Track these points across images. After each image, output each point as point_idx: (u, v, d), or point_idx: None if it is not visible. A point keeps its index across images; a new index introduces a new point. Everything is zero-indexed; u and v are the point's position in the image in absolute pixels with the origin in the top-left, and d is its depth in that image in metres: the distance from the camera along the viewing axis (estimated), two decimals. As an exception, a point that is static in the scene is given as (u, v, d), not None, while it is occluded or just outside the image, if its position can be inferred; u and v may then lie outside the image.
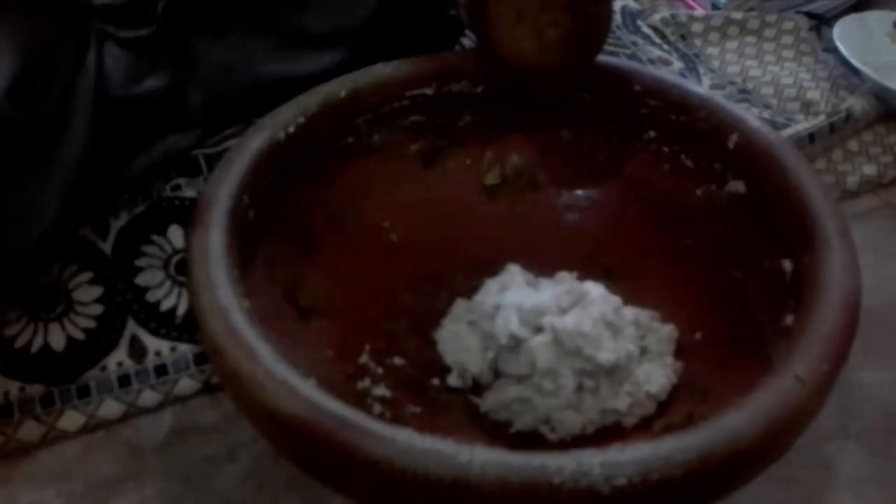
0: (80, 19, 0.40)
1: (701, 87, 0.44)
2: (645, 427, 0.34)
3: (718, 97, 0.41)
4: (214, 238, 0.30)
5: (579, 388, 0.34)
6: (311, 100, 0.38)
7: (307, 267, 0.37)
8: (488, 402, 0.35)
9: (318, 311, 0.36)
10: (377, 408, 0.33)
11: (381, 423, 0.25)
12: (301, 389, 0.25)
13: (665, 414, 0.34)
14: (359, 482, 0.25)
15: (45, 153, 0.38)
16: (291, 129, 0.36)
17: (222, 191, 0.32)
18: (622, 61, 0.45)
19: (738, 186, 0.38)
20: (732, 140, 0.38)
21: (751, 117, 0.39)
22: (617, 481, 0.23)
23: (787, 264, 0.34)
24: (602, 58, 0.42)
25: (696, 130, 0.39)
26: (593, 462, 0.24)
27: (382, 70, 0.40)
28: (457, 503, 0.23)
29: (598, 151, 0.42)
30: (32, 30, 0.37)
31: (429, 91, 0.40)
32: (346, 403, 0.26)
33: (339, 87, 0.39)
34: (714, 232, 0.39)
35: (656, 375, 0.35)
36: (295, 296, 0.35)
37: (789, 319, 0.32)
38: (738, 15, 0.61)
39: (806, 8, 0.63)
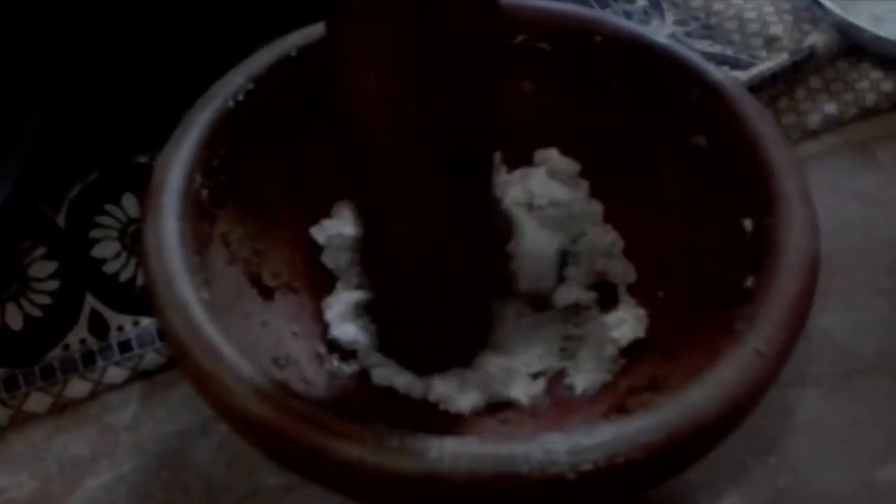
0: None
1: (663, 36, 0.43)
2: (611, 388, 0.34)
3: (681, 48, 0.40)
4: (168, 225, 0.29)
5: None
6: (260, 63, 0.36)
7: (268, 241, 0.36)
8: None
9: (281, 286, 0.35)
10: (349, 385, 0.34)
11: (349, 423, 0.25)
12: (268, 390, 0.25)
13: (629, 373, 0.35)
14: (333, 479, 0.25)
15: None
16: (241, 97, 0.35)
17: (173, 172, 0.31)
18: (583, 9, 0.43)
19: (699, 140, 0.38)
20: (694, 93, 0.37)
21: (714, 70, 0.38)
22: (583, 467, 0.24)
23: (748, 223, 0.34)
24: (563, 6, 0.41)
25: (657, 82, 0.39)
26: (560, 450, 0.24)
27: None
28: (430, 496, 0.24)
29: (561, 105, 0.41)
30: None
31: None
32: (314, 388, 0.26)
33: (288, 47, 0.37)
34: (676, 186, 0.39)
35: (625, 325, 0.36)
36: (258, 274, 0.35)
37: (749, 281, 0.32)
38: (700, -56, 0.59)
39: (769, -67, 0.61)
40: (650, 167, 0.40)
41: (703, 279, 0.36)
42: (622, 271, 0.39)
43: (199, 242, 0.31)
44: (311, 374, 0.33)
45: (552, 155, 0.41)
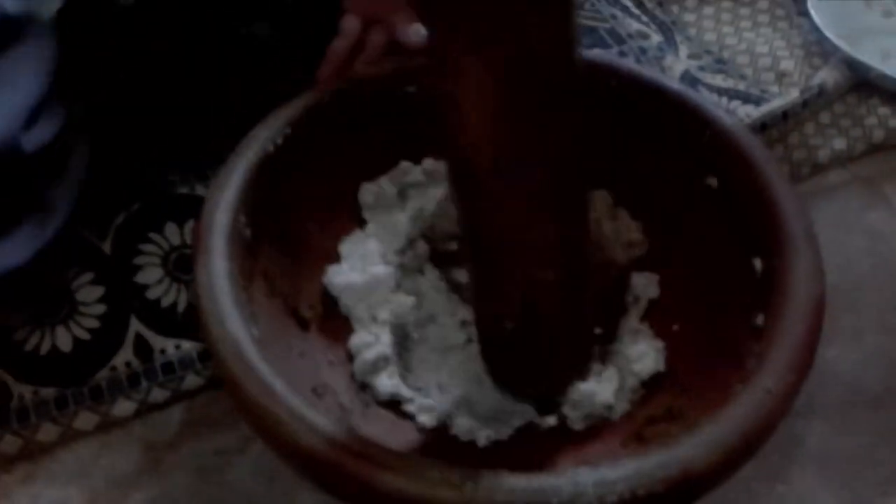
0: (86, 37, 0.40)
1: (676, 81, 0.45)
2: (630, 417, 0.36)
3: (694, 93, 0.42)
4: (218, 265, 0.32)
5: None
6: (296, 107, 0.39)
7: (303, 275, 0.38)
8: None
9: (316, 318, 0.38)
10: (384, 413, 0.36)
11: (393, 453, 0.27)
12: (318, 424, 0.27)
13: (647, 403, 0.37)
14: None
15: (55, 169, 0.38)
16: (280, 141, 0.37)
17: (220, 214, 0.33)
18: (600, 56, 0.45)
19: (711, 181, 0.40)
20: (705, 137, 0.39)
21: (724, 115, 0.40)
22: (609, 499, 0.26)
23: (758, 262, 0.36)
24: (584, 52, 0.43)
25: (670, 126, 0.41)
26: (587, 482, 0.26)
27: (365, 71, 0.41)
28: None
29: None
30: (45, 55, 0.38)
31: (412, 89, 0.41)
32: (351, 415, 0.28)
33: (322, 94, 0.40)
34: (689, 223, 0.41)
35: (647, 358, 0.38)
36: (295, 306, 0.37)
37: (759, 319, 0.34)
38: (715, -21, 0.61)
39: (783, -31, 0.63)
40: (664, 204, 0.42)
41: (715, 314, 0.38)
42: (645, 283, 0.41)
43: (244, 279, 0.33)
44: (347, 401, 0.35)
45: None
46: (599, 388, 0.36)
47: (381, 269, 0.39)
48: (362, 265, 0.39)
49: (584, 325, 0.35)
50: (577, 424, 0.36)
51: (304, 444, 0.27)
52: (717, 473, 0.29)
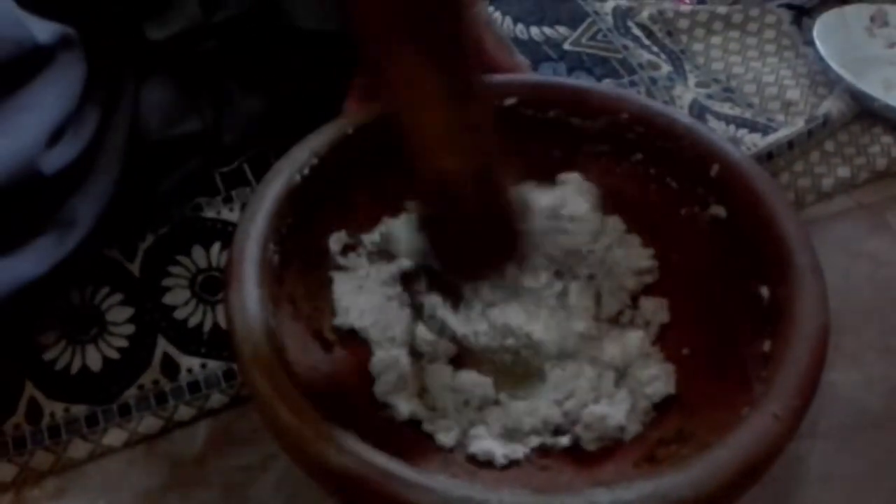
0: (116, 62, 0.42)
1: (686, 115, 0.47)
2: (642, 438, 0.38)
3: (702, 126, 0.44)
4: (250, 292, 0.33)
5: None
6: (322, 139, 0.40)
7: (325, 298, 0.40)
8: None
9: (339, 339, 0.39)
10: (406, 432, 0.37)
11: (420, 473, 0.28)
12: (347, 444, 0.29)
13: (659, 426, 0.38)
14: None
15: (76, 185, 0.40)
16: (307, 171, 0.39)
17: (251, 243, 0.35)
18: (611, 89, 0.47)
19: (719, 211, 0.41)
20: (714, 169, 0.41)
21: (732, 148, 0.42)
22: None
23: (765, 290, 0.38)
24: (595, 86, 0.45)
25: (680, 156, 0.42)
26: (603, 503, 0.28)
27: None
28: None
29: (587, 169, 0.45)
30: (73, 77, 0.39)
31: None
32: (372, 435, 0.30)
33: (346, 125, 0.41)
34: (698, 251, 0.42)
35: (658, 381, 0.39)
36: (319, 328, 0.38)
37: (767, 346, 0.36)
38: (722, 9, 0.63)
39: (788, 0, 0.65)
40: (673, 232, 0.43)
41: (723, 339, 0.39)
42: (655, 307, 0.42)
43: (273, 304, 0.35)
44: (370, 421, 0.37)
45: (574, 177, 0.44)
46: (612, 411, 0.37)
47: (388, 292, 0.41)
48: (370, 289, 0.41)
49: (501, 212, 0.37)
50: (590, 445, 0.37)
51: (334, 463, 0.29)
52: (727, 495, 0.30)
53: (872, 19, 0.63)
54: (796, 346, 0.34)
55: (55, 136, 0.38)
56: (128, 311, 0.44)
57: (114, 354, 0.43)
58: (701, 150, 0.42)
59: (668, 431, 0.37)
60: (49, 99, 0.38)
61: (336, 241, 0.42)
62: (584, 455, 0.37)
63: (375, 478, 0.28)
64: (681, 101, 0.56)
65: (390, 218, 0.43)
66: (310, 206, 0.39)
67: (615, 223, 0.44)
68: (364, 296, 0.40)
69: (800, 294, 0.36)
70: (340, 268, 0.42)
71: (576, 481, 0.34)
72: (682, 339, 0.41)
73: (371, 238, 0.42)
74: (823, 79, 0.59)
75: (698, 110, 0.55)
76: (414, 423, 0.38)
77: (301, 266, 0.39)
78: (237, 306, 0.33)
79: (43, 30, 0.39)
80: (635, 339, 0.41)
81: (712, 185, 0.41)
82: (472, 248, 0.38)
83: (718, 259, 0.41)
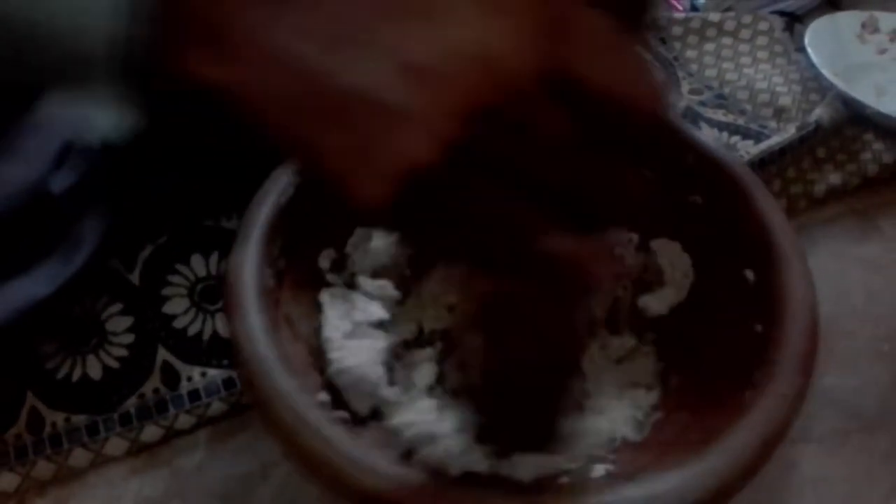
0: None
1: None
2: (653, 436, 0.38)
3: (676, 118, 0.44)
4: (253, 321, 0.33)
5: None
6: None
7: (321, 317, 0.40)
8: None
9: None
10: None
11: (456, 490, 0.29)
12: (381, 467, 0.29)
13: (665, 420, 0.39)
14: None
15: (82, 205, 0.40)
16: (291, 191, 0.39)
17: (247, 271, 0.35)
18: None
19: (696, 198, 0.42)
20: (689, 159, 0.42)
21: (705, 139, 0.43)
22: (690, 498, 0.29)
23: (750, 274, 0.39)
24: None
25: (654, 147, 0.43)
26: (639, 498, 0.29)
27: None
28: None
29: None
30: None
31: None
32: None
33: None
34: (679, 238, 0.43)
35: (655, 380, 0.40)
36: (317, 349, 0.39)
37: (759, 327, 0.37)
38: (715, 17, 0.64)
39: (780, 6, 0.66)
40: (657, 221, 0.43)
41: (715, 325, 0.40)
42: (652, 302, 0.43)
43: (274, 328, 0.35)
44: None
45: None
46: (619, 426, 0.38)
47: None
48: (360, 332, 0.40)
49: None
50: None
51: (368, 486, 0.29)
52: (746, 477, 0.31)
53: (864, 26, 0.64)
54: (790, 326, 0.35)
55: (61, 157, 0.38)
56: (128, 321, 0.45)
57: (114, 364, 0.43)
58: (675, 141, 0.42)
59: (676, 424, 0.38)
60: (54, 121, 0.38)
61: (325, 258, 0.42)
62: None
63: (421, 499, 0.29)
64: (675, 109, 0.56)
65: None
66: (297, 226, 0.39)
67: None
68: (352, 343, 0.40)
69: (786, 276, 0.37)
70: (330, 284, 0.41)
71: (602, 485, 0.35)
72: (673, 330, 0.42)
73: (358, 257, 0.42)
74: (815, 85, 0.59)
75: (692, 117, 0.56)
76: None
77: (294, 286, 0.39)
78: (244, 337, 0.33)
79: None
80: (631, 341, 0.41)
81: (688, 175, 0.42)
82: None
83: (699, 246, 0.42)
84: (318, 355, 0.38)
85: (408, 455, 0.36)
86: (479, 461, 0.34)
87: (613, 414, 0.38)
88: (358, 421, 0.38)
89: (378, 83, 0.20)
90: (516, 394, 0.32)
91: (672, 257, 0.43)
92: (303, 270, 0.40)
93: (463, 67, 0.20)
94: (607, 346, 0.43)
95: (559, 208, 0.23)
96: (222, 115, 0.46)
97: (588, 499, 0.29)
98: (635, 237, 0.44)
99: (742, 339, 0.37)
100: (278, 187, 0.39)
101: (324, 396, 0.37)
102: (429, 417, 0.36)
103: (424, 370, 0.41)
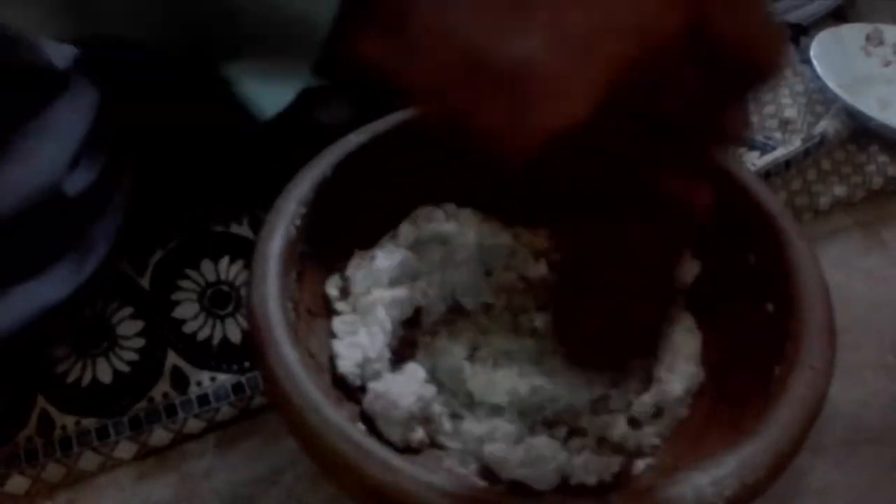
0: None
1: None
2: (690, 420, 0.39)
3: None
4: (287, 354, 0.33)
5: None
6: (305, 187, 0.40)
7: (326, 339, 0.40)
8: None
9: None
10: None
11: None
12: (425, 476, 0.29)
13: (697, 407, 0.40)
14: None
15: (95, 209, 0.41)
16: (298, 222, 0.38)
17: (272, 306, 0.34)
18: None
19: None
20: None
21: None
22: (725, 493, 0.30)
23: (752, 258, 0.40)
24: None
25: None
26: (704, 483, 0.30)
27: (376, 127, 0.42)
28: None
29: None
30: (88, 100, 0.40)
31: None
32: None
33: (323, 168, 0.40)
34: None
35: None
36: (331, 373, 0.39)
37: (770, 307, 0.38)
38: (721, 28, 0.64)
39: (785, 18, 0.66)
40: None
41: (730, 309, 0.41)
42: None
43: (304, 362, 0.34)
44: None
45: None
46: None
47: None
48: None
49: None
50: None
51: (422, 497, 0.29)
52: (795, 451, 0.32)
53: (868, 38, 0.64)
54: (805, 301, 0.36)
55: (75, 159, 0.38)
56: (138, 325, 0.45)
57: (124, 368, 0.44)
58: None
59: (707, 402, 0.39)
60: (68, 122, 0.39)
61: (332, 285, 0.42)
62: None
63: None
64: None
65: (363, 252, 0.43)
66: (306, 255, 0.39)
67: None
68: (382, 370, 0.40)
69: (789, 254, 0.38)
70: (339, 313, 0.41)
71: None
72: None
73: (360, 278, 0.42)
74: (820, 97, 0.60)
75: (698, 128, 0.56)
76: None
77: (308, 317, 0.39)
78: (281, 371, 0.32)
79: (58, 54, 0.40)
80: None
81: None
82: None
83: (699, 238, 0.42)
84: (341, 386, 0.39)
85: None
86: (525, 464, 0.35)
87: (666, 386, 0.39)
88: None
89: (538, 52, 0.23)
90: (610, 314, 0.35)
91: None
92: (313, 300, 0.40)
93: (614, 33, 0.23)
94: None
95: (683, 152, 0.27)
96: (234, 123, 0.46)
97: (663, 492, 0.30)
98: None
99: (757, 318, 0.38)
100: (285, 218, 0.38)
101: (360, 426, 0.37)
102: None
103: (457, 346, 0.41)
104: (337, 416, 0.31)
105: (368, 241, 0.43)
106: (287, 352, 0.33)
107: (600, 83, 0.23)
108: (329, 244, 0.41)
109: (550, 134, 0.24)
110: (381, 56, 0.25)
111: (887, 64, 0.64)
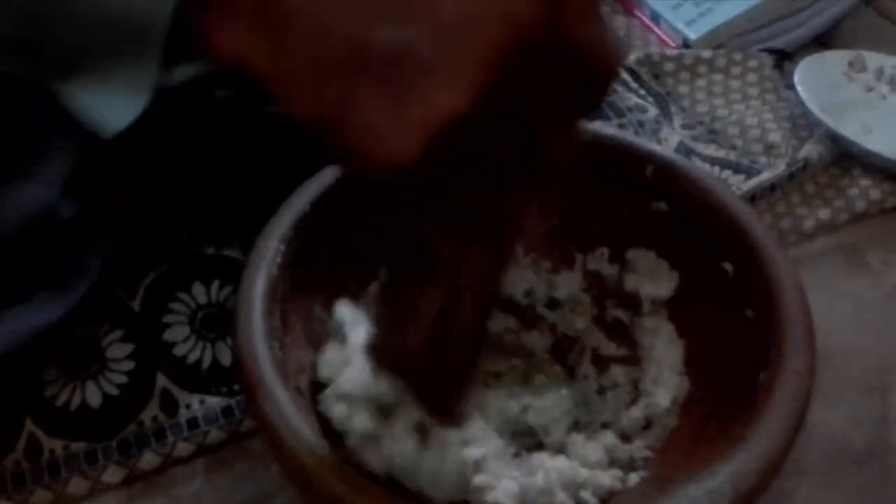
0: None
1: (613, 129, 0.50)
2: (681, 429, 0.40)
3: (628, 134, 0.47)
4: (280, 396, 0.33)
5: None
6: (284, 222, 0.40)
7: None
8: None
9: None
10: None
11: None
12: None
13: (686, 420, 0.40)
14: None
15: (89, 231, 0.41)
16: (279, 260, 0.38)
17: (259, 346, 0.35)
18: (601, 128, 0.49)
19: (660, 206, 0.43)
20: (649, 170, 0.43)
21: (663, 150, 0.45)
22: (720, 502, 0.30)
23: (728, 265, 0.40)
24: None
25: (613, 164, 0.44)
26: (699, 494, 0.30)
27: None
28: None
29: None
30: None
31: None
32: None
33: (302, 205, 0.41)
34: (654, 245, 0.44)
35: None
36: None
37: (749, 313, 0.38)
38: (707, 54, 0.65)
39: (769, 44, 0.67)
40: (622, 232, 0.45)
41: (711, 318, 0.41)
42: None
43: (296, 402, 0.34)
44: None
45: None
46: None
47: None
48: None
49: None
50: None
51: None
52: (784, 456, 0.33)
53: (851, 64, 0.65)
54: (783, 308, 0.36)
55: (71, 181, 0.39)
56: (128, 348, 0.45)
57: (113, 391, 0.44)
58: (633, 154, 0.44)
59: (693, 411, 0.39)
60: (63, 143, 0.39)
61: (318, 321, 0.41)
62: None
63: None
64: (668, 144, 0.57)
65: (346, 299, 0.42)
66: (287, 294, 0.39)
67: None
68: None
69: (764, 261, 0.38)
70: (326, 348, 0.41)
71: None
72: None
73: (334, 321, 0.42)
74: (804, 122, 0.61)
75: (685, 152, 0.57)
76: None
77: (293, 349, 0.39)
78: (274, 412, 0.33)
79: None
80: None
81: (649, 186, 0.43)
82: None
83: (673, 249, 0.43)
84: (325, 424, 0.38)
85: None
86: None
87: (653, 399, 0.40)
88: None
89: (411, 40, 0.22)
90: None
91: (649, 264, 0.44)
92: (295, 339, 0.40)
93: (486, 19, 0.22)
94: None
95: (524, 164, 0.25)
96: (226, 141, 0.46)
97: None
98: (605, 251, 0.45)
99: (737, 326, 0.39)
100: (266, 257, 0.38)
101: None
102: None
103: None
104: (332, 457, 0.31)
105: (358, 270, 0.43)
106: (278, 391, 0.33)
107: (479, 73, 0.22)
108: (314, 278, 0.41)
109: (434, 129, 0.22)
110: (239, 49, 0.23)
111: (869, 89, 0.65)
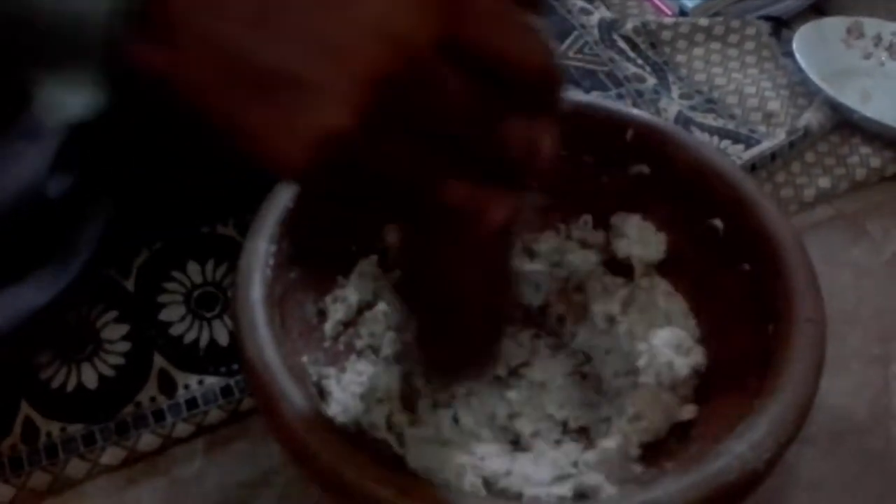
0: None
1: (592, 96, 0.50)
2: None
3: (607, 100, 0.46)
4: (290, 391, 0.33)
5: None
6: (271, 221, 0.39)
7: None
8: None
9: None
10: None
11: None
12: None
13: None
14: None
15: (78, 211, 0.40)
16: (272, 261, 0.38)
17: (265, 349, 0.34)
18: (598, 100, 0.48)
19: (642, 169, 0.43)
20: (629, 134, 0.43)
21: (643, 114, 0.45)
22: (765, 456, 0.31)
23: (718, 222, 0.40)
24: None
25: (592, 131, 0.43)
26: (743, 450, 0.31)
27: None
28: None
29: None
30: None
31: None
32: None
33: (285, 199, 0.40)
34: (636, 208, 0.44)
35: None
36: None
37: (746, 266, 0.38)
38: (704, 21, 0.64)
39: (766, 11, 0.66)
40: (603, 191, 0.44)
41: (706, 274, 0.41)
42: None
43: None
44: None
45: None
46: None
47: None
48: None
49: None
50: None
51: None
52: (811, 403, 0.34)
53: (849, 31, 0.64)
54: (782, 258, 0.36)
55: (57, 161, 0.38)
56: (123, 329, 0.44)
57: (110, 372, 0.43)
58: (614, 120, 0.43)
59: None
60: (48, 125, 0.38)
61: (313, 315, 0.41)
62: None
63: None
64: (666, 114, 0.57)
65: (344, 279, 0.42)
66: (283, 294, 0.39)
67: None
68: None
69: (758, 214, 0.38)
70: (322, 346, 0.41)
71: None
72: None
73: (335, 309, 0.42)
74: (803, 90, 0.60)
75: (683, 122, 0.56)
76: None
77: (294, 343, 0.39)
78: (288, 409, 0.32)
79: None
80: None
81: (629, 149, 0.43)
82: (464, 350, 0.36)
83: (660, 211, 0.43)
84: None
85: None
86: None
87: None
88: None
89: (295, 60, 0.24)
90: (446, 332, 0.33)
91: (636, 228, 0.44)
92: (293, 342, 0.39)
93: (369, 42, 0.24)
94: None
95: (471, 164, 0.26)
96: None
97: (705, 467, 0.31)
98: (589, 217, 0.45)
99: (734, 280, 0.39)
100: (259, 260, 0.38)
101: None
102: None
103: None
104: (345, 443, 0.31)
105: (347, 263, 0.43)
106: (294, 393, 0.32)
107: (361, 90, 0.23)
108: (306, 274, 0.40)
109: (319, 144, 0.24)
110: (159, 64, 0.24)
111: (868, 56, 0.64)
